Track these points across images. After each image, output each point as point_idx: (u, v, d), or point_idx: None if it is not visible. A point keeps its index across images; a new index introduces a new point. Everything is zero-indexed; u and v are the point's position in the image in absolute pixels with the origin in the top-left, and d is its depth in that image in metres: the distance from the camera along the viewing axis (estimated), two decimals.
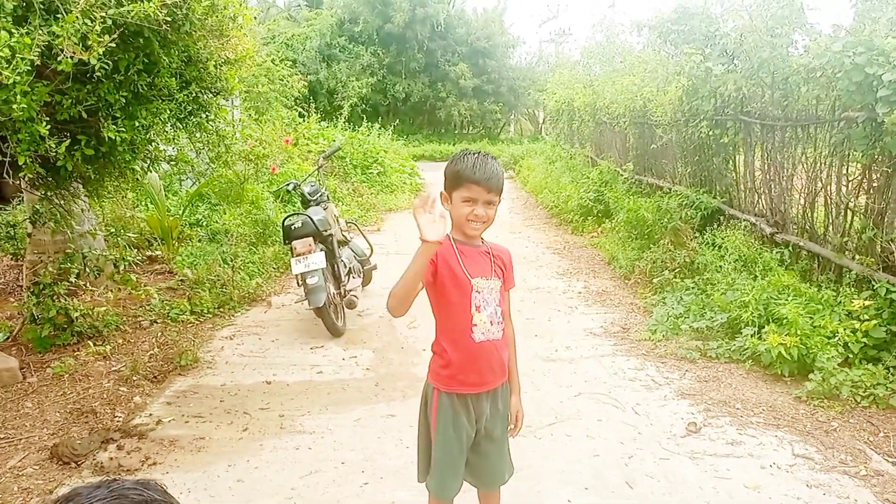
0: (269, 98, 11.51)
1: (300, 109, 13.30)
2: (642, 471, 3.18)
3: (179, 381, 4.35)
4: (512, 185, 16.53)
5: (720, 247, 5.84)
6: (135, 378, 4.34)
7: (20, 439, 3.57)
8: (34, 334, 4.87)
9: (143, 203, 8.26)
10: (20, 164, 2.98)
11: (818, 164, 5.20)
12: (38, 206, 4.94)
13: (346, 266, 5.61)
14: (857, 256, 4.58)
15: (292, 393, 4.17)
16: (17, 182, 6.32)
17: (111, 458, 3.31)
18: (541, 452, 3.38)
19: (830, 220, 5.07)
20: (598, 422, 3.71)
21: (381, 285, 6.62)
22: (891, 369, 3.94)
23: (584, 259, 7.98)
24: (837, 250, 4.87)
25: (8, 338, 5.03)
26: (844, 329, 4.09)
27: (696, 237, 6.46)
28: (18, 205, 8.28)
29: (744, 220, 6.12)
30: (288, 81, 12.06)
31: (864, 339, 4.05)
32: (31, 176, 3.07)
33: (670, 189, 7.87)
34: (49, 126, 2.97)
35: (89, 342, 4.86)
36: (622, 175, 9.85)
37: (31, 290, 4.99)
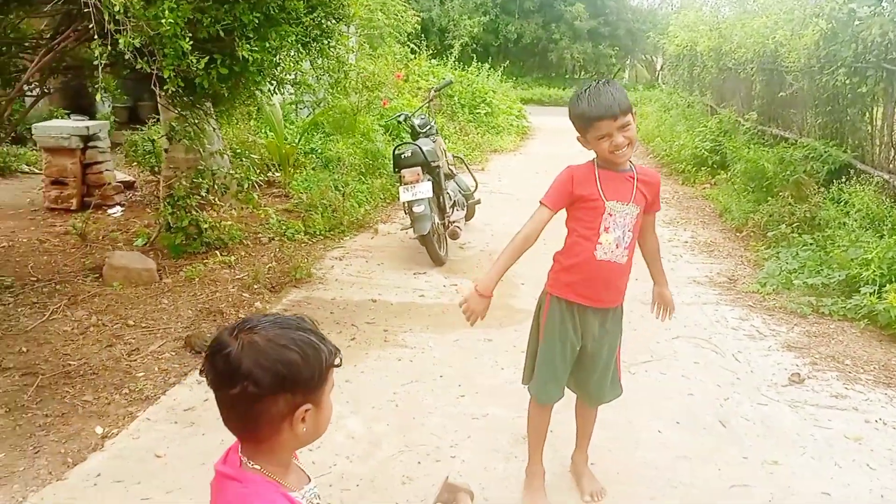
0: (383, 33, 11.65)
1: (412, 46, 13.37)
2: (737, 413, 3.17)
3: (294, 293, 4.70)
4: None
5: (846, 203, 5.49)
6: (255, 286, 4.72)
7: (159, 329, 4.02)
8: (169, 242, 5.36)
9: (263, 130, 8.71)
10: (165, 77, 3.25)
11: None
12: (174, 124, 5.35)
13: (451, 198, 5.74)
14: None
15: (395, 311, 4.41)
16: (153, 103, 6.81)
17: None
18: (633, 387, 3.41)
19: None
20: (694, 364, 3.70)
21: (484, 221, 6.74)
22: None
23: (693, 210, 7.72)
24: None
25: (146, 243, 5.56)
26: None
27: (819, 192, 6.09)
28: (154, 125, 8.98)
29: (876, 177, 5.70)
30: (402, 17, 12.12)
31: None
32: (172, 90, 3.32)
33: (796, 141, 7.40)
34: (191, 43, 3.22)
35: (216, 252, 5.30)
36: (744, 125, 9.32)
37: (167, 201, 5.47)
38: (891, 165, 5.77)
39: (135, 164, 8.46)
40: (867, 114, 6.34)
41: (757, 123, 9.03)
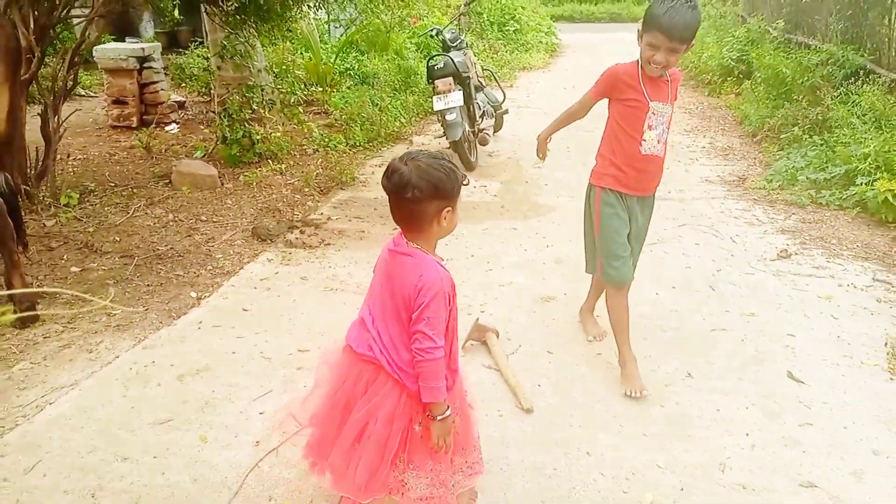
0: None
1: None
2: (727, 280, 3.68)
3: (341, 194, 5.27)
4: None
5: (854, 104, 5.76)
6: (306, 189, 5.30)
7: (227, 223, 4.64)
8: (226, 152, 5.94)
9: (299, 51, 9.11)
10: None
11: None
12: (225, 44, 5.83)
13: (480, 108, 6.17)
14: None
15: None
16: (192, 28, 7.21)
17: (297, 238, 4.29)
18: (640, 264, 3.93)
19: None
20: (695, 245, 4.19)
21: (511, 132, 7.16)
22: None
23: (715, 119, 7.99)
24: None
25: (204, 155, 6.15)
26: None
27: (834, 95, 6.34)
28: (197, 48, 9.44)
29: (886, 77, 5.93)
30: None
31: None
32: (236, 6, 3.78)
33: (819, 47, 7.54)
34: None
35: (268, 161, 5.86)
36: (771, 34, 9.38)
37: (222, 115, 6.02)
38: None
39: (182, 85, 9.01)
40: (886, 17, 6.47)
41: (784, 32, 9.09)
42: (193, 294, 3.57)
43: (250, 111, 6.04)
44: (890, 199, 4.24)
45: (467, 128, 5.82)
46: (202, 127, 7.32)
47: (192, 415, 2.52)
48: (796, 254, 3.99)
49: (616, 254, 2.67)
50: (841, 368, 2.84)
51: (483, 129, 6.07)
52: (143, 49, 7.03)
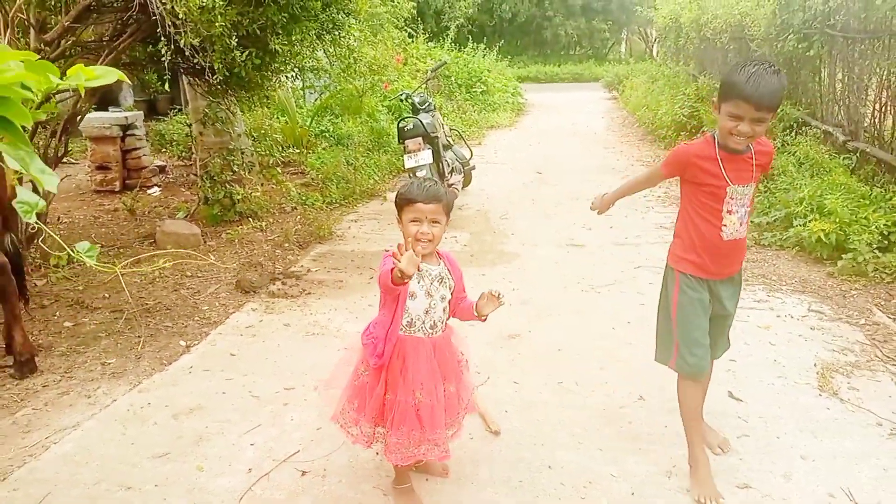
0: (382, 20, 12.40)
1: (409, 30, 14.11)
2: None
3: (319, 247, 5.57)
4: (613, 104, 16.75)
5: (794, 153, 6.29)
6: (286, 244, 5.59)
7: (212, 278, 4.89)
8: (208, 212, 6.24)
9: (276, 116, 9.55)
10: (215, 68, 4.09)
11: (890, 75, 5.53)
12: (207, 111, 6.20)
13: (449, 165, 6.59)
14: None
15: None
16: (170, 96, 7.58)
17: (279, 289, 4.56)
18: (598, 303, 4.29)
19: None
20: (649, 284, 4.55)
21: (480, 187, 7.58)
22: None
23: None
24: None
25: (187, 215, 6.43)
26: (885, 221, 4.62)
27: (776, 146, 6.88)
28: (177, 114, 9.82)
29: (818, 128, 6.50)
30: (398, 2, 12.86)
31: None
32: (220, 78, 4.16)
33: None
34: (235, 40, 4.05)
35: (248, 220, 6.17)
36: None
37: (204, 178, 6.34)
38: (834, 119, 6.56)
39: (162, 150, 9.35)
40: (816, 75, 7.12)
41: None
42: (183, 343, 3.80)
43: (231, 173, 6.37)
44: (822, 237, 4.66)
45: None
46: (183, 189, 7.63)
47: (187, 448, 2.74)
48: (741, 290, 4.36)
49: (695, 341, 2.43)
50: (776, 387, 3.16)
51: (452, 185, 6.46)
52: (126, 118, 7.38)
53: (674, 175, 2.46)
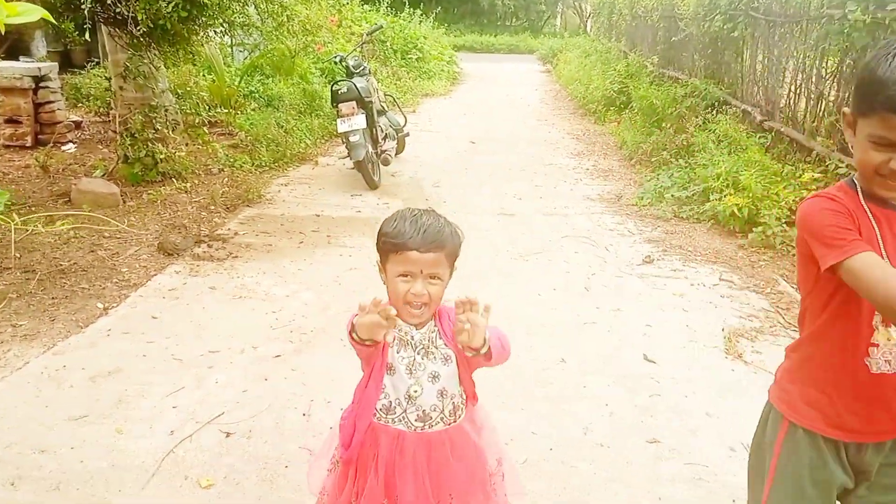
0: None
1: None
2: (600, 283, 4.18)
3: (247, 211, 5.45)
4: (547, 77, 16.93)
5: (713, 131, 6.56)
6: (212, 207, 5.44)
7: (132, 239, 4.72)
8: (127, 171, 5.98)
9: (202, 74, 9.16)
10: (138, 19, 3.90)
11: (805, 58, 5.82)
12: (128, 64, 5.89)
13: (382, 130, 6.53)
14: (820, 139, 5.33)
15: (337, 223, 5.23)
16: (87, 48, 7.19)
17: (204, 252, 4.45)
18: (526, 270, 4.40)
19: (808, 108, 5.76)
20: (574, 253, 4.69)
21: (413, 154, 7.56)
22: None
23: (598, 144, 8.74)
24: (809, 135, 5.59)
25: (104, 174, 6.14)
26: (794, 197, 4.91)
27: (697, 124, 7.16)
28: (94, 68, 9.29)
29: (738, 108, 6.80)
30: None
31: None
32: (144, 30, 3.96)
33: (686, 81, 8.46)
34: None
35: (172, 180, 5.95)
36: (648, 68, 10.35)
37: (123, 135, 6.05)
38: (754, 99, 6.87)
39: (78, 105, 8.84)
40: (739, 56, 7.41)
41: (659, 67, 10.08)
42: (100, 305, 3.67)
43: (153, 131, 6.10)
44: (735, 211, 4.92)
45: (370, 149, 6.15)
46: (101, 146, 7.26)
47: (106, 410, 2.67)
48: (658, 259, 4.57)
49: None
50: (686, 351, 3.35)
51: (385, 151, 6.42)
52: (39, 68, 6.93)
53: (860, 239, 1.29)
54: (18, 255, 4.30)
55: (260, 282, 4.05)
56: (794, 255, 4.59)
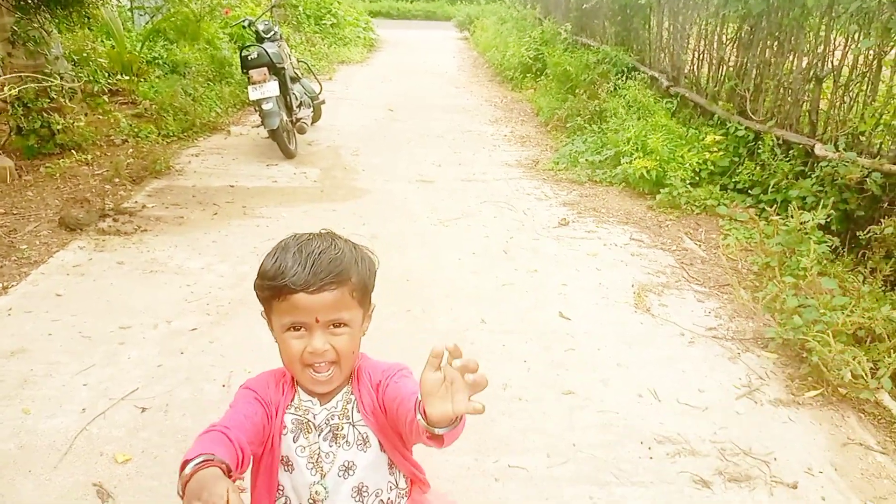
0: None
1: None
2: (518, 245, 4.29)
3: (155, 183, 5.22)
4: (465, 45, 16.90)
5: (624, 97, 6.77)
6: (117, 179, 5.18)
7: (30, 215, 4.45)
8: (21, 143, 5.59)
9: (100, 39, 8.62)
10: None
11: (707, 25, 6.07)
12: (16, 28, 5.47)
13: (297, 98, 6.37)
14: (721, 103, 5.60)
15: (252, 194, 5.10)
16: None
17: (110, 226, 4.25)
18: (446, 235, 4.45)
19: (710, 74, 6.04)
20: (493, 218, 4.78)
21: (330, 123, 7.42)
22: (726, 189, 5.07)
23: (516, 111, 8.85)
24: (710, 99, 5.87)
25: None
26: (698, 159, 5.16)
27: (609, 89, 7.36)
28: None
29: (646, 74, 7.04)
30: None
31: (711, 167, 5.15)
32: None
33: (598, 48, 8.65)
34: None
35: (71, 152, 5.62)
36: (562, 35, 10.51)
37: (15, 104, 5.64)
38: (661, 66, 7.12)
39: None
40: (647, 23, 7.64)
41: (572, 34, 10.25)
42: None
43: (48, 100, 5.72)
44: (644, 174, 5.13)
45: (285, 117, 6.00)
46: None
47: (10, 391, 2.55)
48: (573, 221, 4.72)
49: None
50: (599, 307, 3.50)
51: (300, 119, 6.28)
52: None
53: None
54: None
55: (172, 255, 3.91)
56: (697, 213, 4.86)
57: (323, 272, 1.11)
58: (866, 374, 2.67)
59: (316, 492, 1.17)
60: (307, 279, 1.09)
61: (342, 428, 1.20)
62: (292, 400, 1.20)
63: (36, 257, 3.80)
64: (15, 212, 4.48)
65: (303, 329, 1.13)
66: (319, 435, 1.19)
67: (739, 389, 2.82)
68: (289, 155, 6.04)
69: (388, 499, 1.23)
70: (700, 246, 4.35)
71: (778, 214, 3.86)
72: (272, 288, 1.12)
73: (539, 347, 3.09)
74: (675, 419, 2.61)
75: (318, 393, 1.20)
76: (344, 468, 1.19)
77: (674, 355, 3.08)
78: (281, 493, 1.20)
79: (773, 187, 4.57)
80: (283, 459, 1.19)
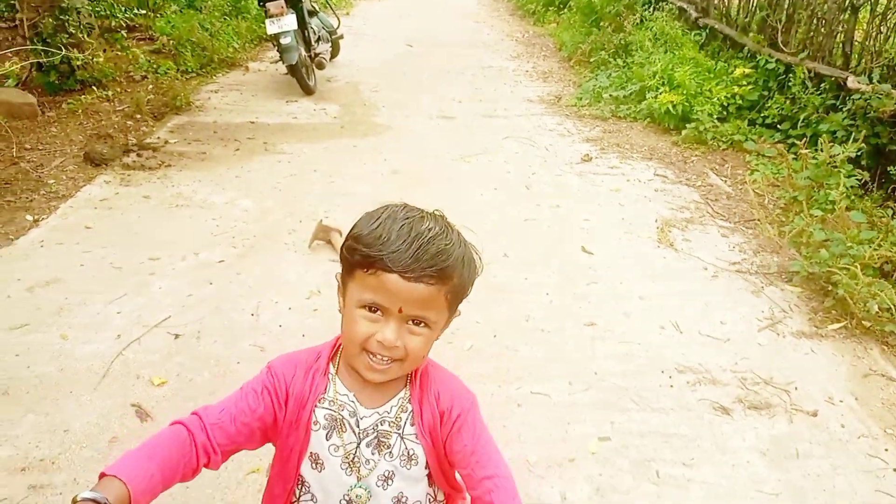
0: None
1: None
2: (540, 181, 4.26)
3: (177, 119, 5.22)
4: None
5: (650, 28, 6.57)
6: (138, 115, 5.18)
7: (56, 150, 4.49)
8: (43, 80, 5.59)
9: None
10: None
11: None
12: None
13: (315, 33, 6.25)
14: (752, 35, 5.41)
15: (273, 130, 5.08)
16: None
17: (134, 161, 4.28)
18: (468, 171, 4.43)
19: (741, 4, 5.82)
20: (515, 154, 4.73)
21: (349, 59, 7.31)
22: (754, 124, 4.96)
23: (537, 46, 8.63)
24: (741, 31, 5.67)
25: (18, 83, 5.73)
26: (726, 93, 5.03)
27: (634, 22, 7.13)
28: None
29: (674, 5, 6.80)
30: None
31: (739, 101, 5.03)
32: None
33: None
34: None
35: (92, 89, 5.61)
36: None
37: (34, 40, 5.61)
38: None
39: None
40: None
41: None
42: (30, 217, 3.52)
43: (67, 35, 5.68)
44: (670, 108, 5.02)
45: (303, 52, 5.91)
46: (10, 55, 6.72)
47: (48, 318, 2.63)
48: (596, 157, 4.66)
49: None
50: (622, 242, 3.50)
51: (319, 54, 6.17)
52: None
53: None
54: None
55: (197, 190, 3.94)
56: (724, 149, 4.77)
57: (427, 261, 0.96)
58: (894, 307, 2.66)
59: (357, 495, 1.08)
60: (408, 263, 0.94)
61: (390, 436, 1.08)
62: (324, 391, 1.07)
63: (64, 191, 3.86)
64: (41, 147, 4.52)
65: (379, 313, 0.98)
66: (361, 437, 1.07)
67: (762, 322, 2.83)
68: (308, 91, 5.98)
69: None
70: (726, 181, 4.29)
71: (807, 149, 3.79)
72: (365, 256, 0.96)
73: (561, 280, 3.11)
74: (697, 350, 2.64)
75: (361, 384, 1.06)
76: (384, 478, 1.09)
77: (696, 289, 3.08)
78: (306, 489, 1.12)
79: (802, 122, 4.46)
80: (311, 455, 1.09)
